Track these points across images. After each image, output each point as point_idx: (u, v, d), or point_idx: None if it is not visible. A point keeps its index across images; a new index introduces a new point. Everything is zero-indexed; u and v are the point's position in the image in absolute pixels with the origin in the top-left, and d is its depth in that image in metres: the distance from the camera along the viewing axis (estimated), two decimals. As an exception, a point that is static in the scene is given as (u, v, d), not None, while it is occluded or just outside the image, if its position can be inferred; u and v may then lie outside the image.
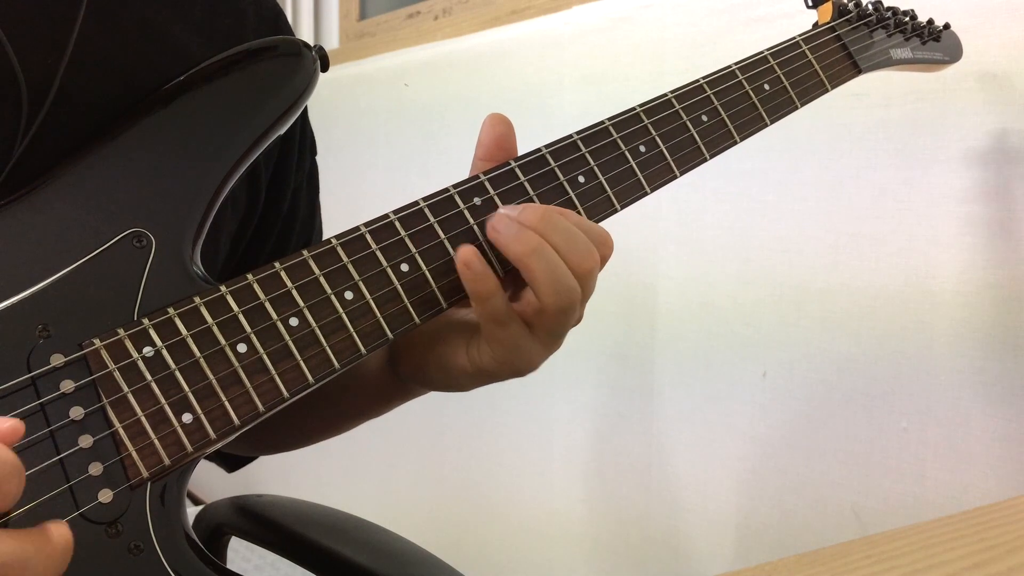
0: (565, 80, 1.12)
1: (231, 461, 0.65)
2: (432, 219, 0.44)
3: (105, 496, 0.36)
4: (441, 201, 0.44)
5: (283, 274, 0.40)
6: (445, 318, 0.46)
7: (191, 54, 0.46)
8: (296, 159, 0.59)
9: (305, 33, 1.74)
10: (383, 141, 1.42)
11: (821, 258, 0.87)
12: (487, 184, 0.45)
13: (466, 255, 0.41)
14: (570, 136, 0.48)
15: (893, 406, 0.83)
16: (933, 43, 0.66)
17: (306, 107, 0.60)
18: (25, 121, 0.42)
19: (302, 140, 0.60)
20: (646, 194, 0.50)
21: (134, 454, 0.37)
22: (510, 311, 0.42)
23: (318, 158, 0.63)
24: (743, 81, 0.53)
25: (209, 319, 0.39)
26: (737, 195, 0.94)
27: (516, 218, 0.42)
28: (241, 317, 0.39)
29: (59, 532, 0.31)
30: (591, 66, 1.08)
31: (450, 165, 1.29)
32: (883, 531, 0.49)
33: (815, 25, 0.60)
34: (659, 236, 1.02)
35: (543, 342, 0.43)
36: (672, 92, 0.51)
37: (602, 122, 0.49)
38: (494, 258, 0.44)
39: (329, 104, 1.50)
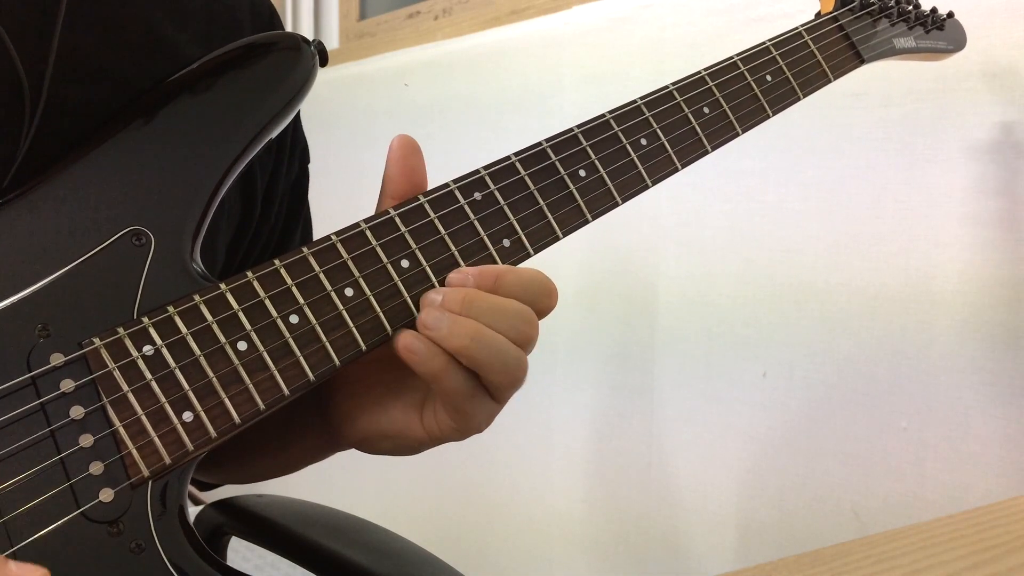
0: (565, 80, 1.12)
1: (201, 483, 0.64)
2: (432, 214, 0.43)
3: (106, 495, 0.36)
4: (441, 197, 0.44)
5: (283, 271, 0.40)
6: (387, 387, 0.44)
7: (191, 61, 0.46)
8: (285, 167, 0.58)
9: (305, 33, 1.74)
10: (383, 141, 1.42)
11: (821, 258, 0.87)
12: (487, 179, 0.45)
13: (406, 341, 0.39)
14: (571, 130, 0.48)
15: (893, 406, 0.83)
16: (937, 32, 0.66)
17: (299, 115, 0.58)
18: (27, 124, 0.42)
19: (292, 148, 0.59)
20: (647, 187, 0.49)
21: (135, 453, 0.36)
22: (474, 384, 0.40)
23: (317, 163, 0.63)
24: (745, 72, 0.53)
25: (209, 317, 0.39)
26: (737, 195, 0.94)
27: (443, 305, 0.40)
28: (241, 315, 0.39)
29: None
30: (591, 66, 1.09)
31: (450, 165, 1.29)
32: (883, 531, 0.50)
33: (817, 15, 0.60)
34: (660, 236, 1.02)
35: (500, 401, 0.42)
36: (673, 84, 0.51)
37: (603, 115, 0.49)
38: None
39: (329, 104, 1.50)
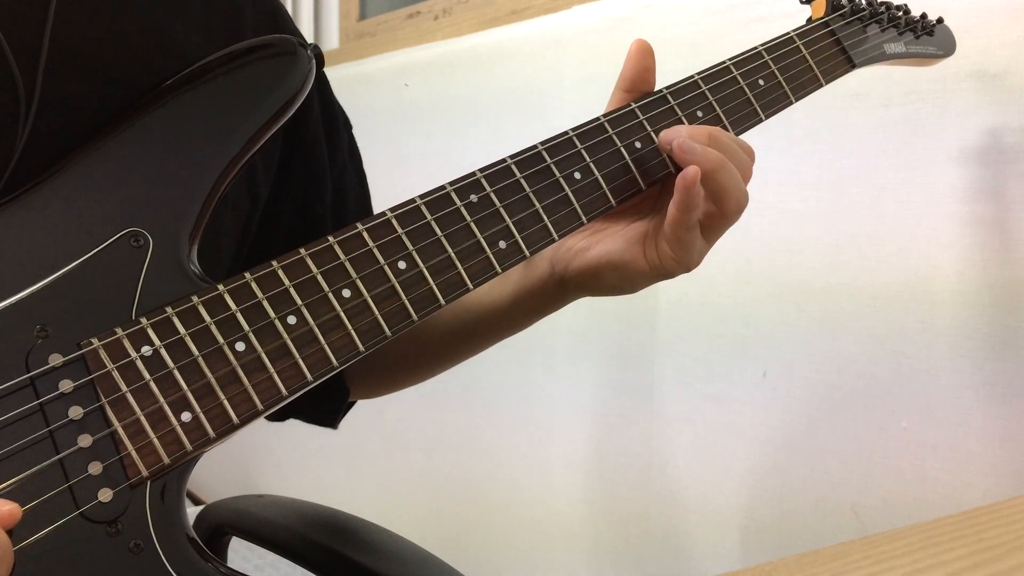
0: (565, 80, 1.12)
1: (327, 415, 0.65)
2: (429, 216, 0.44)
3: (105, 495, 0.36)
4: (438, 199, 0.44)
5: (280, 272, 0.40)
6: (613, 225, 0.51)
7: (190, 54, 0.46)
8: (330, 144, 0.60)
9: (305, 33, 1.74)
10: (383, 141, 1.42)
11: (821, 258, 0.87)
12: (483, 181, 0.45)
13: (694, 173, 0.45)
14: (565, 132, 0.48)
15: (893, 406, 0.82)
16: (927, 37, 0.66)
17: (329, 89, 0.61)
18: (23, 121, 0.42)
19: (332, 124, 0.61)
20: (641, 190, 0.50)
21: (133, 453, 0.37)
22: (695, 217, 0.47)
23: None
24: (738, 76, 0.53)
25: (207, 318, 0.39)
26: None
27: (690, 137, 0.47)
28: (239, 316, 0.39)
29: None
30: (591, 66, 1.09)
31: (450, 165, 1.29)
32: (883, 531, 0.50)
33: (809, 20, 0.60)
34: (659, 236, 1.02)
35: (709, 241, 0.50)
36: (667, 88, 0.52)
37: (597, 118, 0.49)
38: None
39: (329, 104, 1.49)
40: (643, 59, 0.51)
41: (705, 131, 0.47)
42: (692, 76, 0.52)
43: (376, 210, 0.44)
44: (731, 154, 0.47)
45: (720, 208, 0.47)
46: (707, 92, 0.52)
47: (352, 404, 0.67)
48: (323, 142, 0.60)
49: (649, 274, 0.50)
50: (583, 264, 0.52)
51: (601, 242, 0.51)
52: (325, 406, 0.64)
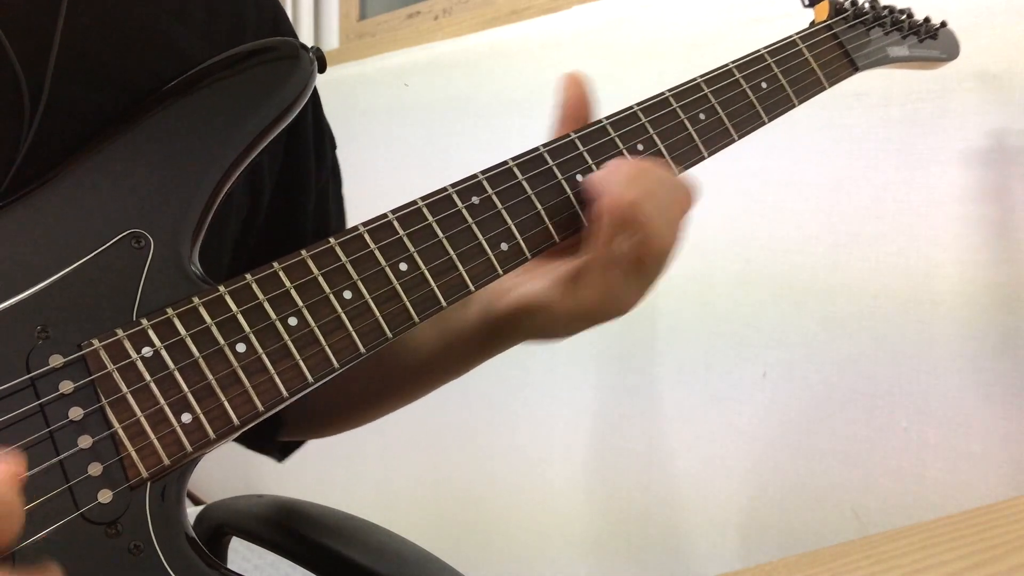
0: (565, 80, 1.12)
1: (281, 449, 0.64)
2: (430, 218, 0.44)
3: (105, 496, 0.36)
4: (439, 200, 0.44)
5: (281, 274, 0.40)
6: (550, 269, 0.48)
7: (193, 58, 0.46)
8: (316, 157, 0.60)
9: (305, 33, 1.74)
10: (383, 141, 1.42)
11: (821, 258, 0.87)
12: (485, 183, 0.45)
13: (609, 199, 0.43)
14: (567, 135, 0.48)
15: (893, 406, 0.82)
16: (930, 41, 0.66)
17: (320, 103, 0.61)
18: (27, 126, 0.42)
19: (320, 137, 0.60)
20: None
21: (133, 454, 0.37)
22: (620, 251, 0.44)
23: None
24: (740, 80, 0.53)
25: (208, 319, 0.39)
26: (737, 195, 0.94)
27: (613, 177, 0.45)
28: (240, 317, 0.39)
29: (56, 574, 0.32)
30: (591, 66, 1.08)
31: (450, 165, 1.29)
32: (883, 531, 0.50)
33: (812, 23, 0.60)
34: (659, 236, 1.02)
35: (638, 284, 0.46)
36: (669, 91, 0.51)
37: (599, 121, 0.49)
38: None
39: (329, 104, 1.49)
40: (575, 88, 0.50)
41: (627, 168, 0.45)
42: (694, 79, 0.52)
43: (378, 212, 0.44)
44: (658, 188, 0.45)
45: (649, 241, 0.45)
46: (709, 95, 0.52)
47: (301, 443, 0.65)
48: (312, 152, 0.59)
49: (577, 316, 0.46)
50: (506, 306, 0.48)
51: (527, 283, 0.48)
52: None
